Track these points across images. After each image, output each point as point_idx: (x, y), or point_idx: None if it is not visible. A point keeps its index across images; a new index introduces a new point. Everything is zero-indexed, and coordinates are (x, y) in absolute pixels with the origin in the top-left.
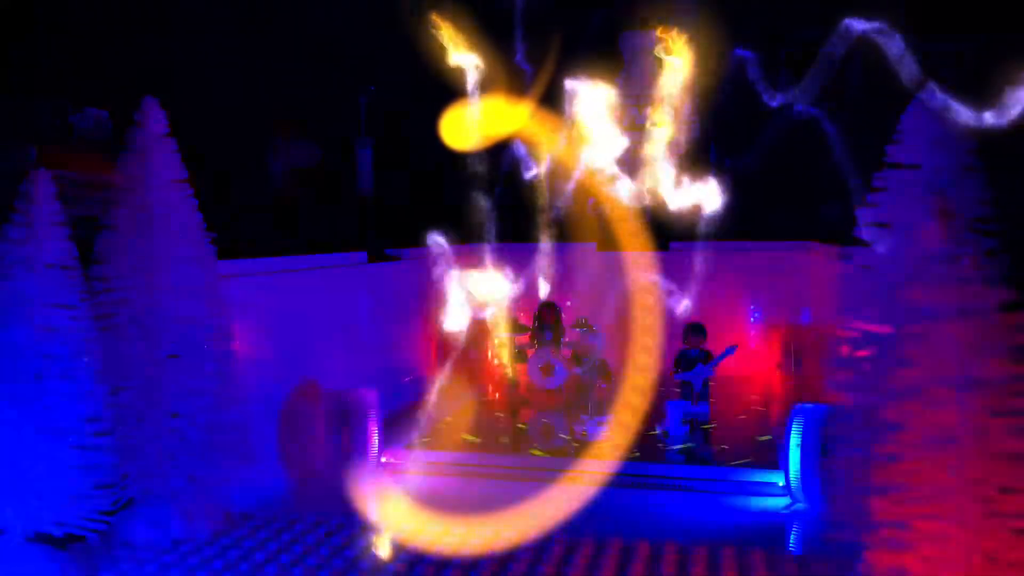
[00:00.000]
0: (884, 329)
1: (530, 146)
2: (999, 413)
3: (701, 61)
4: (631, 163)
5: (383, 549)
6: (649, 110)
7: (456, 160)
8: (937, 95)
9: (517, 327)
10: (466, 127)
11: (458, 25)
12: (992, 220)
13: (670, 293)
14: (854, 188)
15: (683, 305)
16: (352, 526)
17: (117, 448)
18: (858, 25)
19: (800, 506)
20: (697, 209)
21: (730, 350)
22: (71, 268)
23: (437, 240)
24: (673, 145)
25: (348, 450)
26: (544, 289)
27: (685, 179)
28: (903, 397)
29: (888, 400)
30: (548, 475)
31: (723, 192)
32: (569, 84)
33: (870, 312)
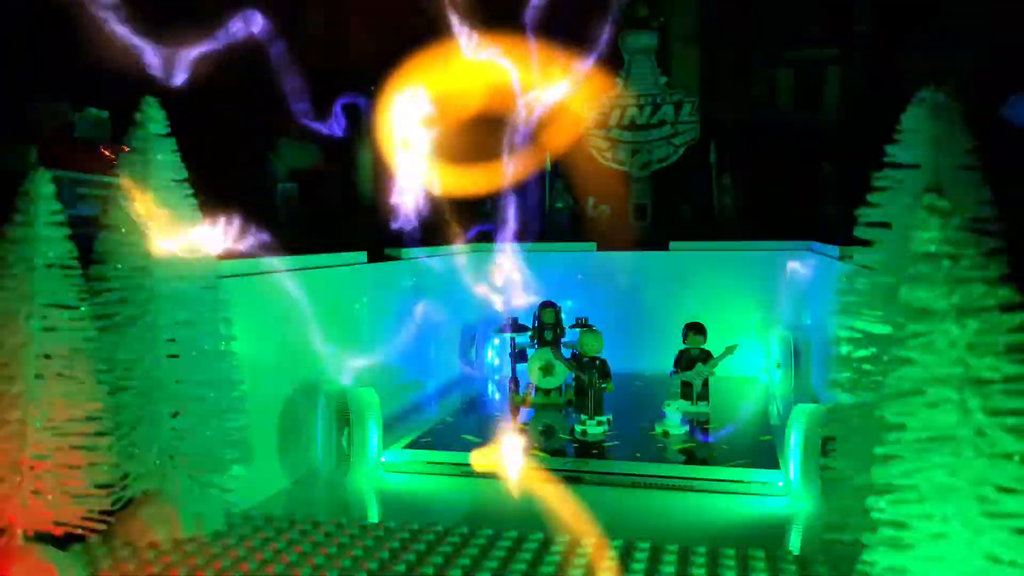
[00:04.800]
0: (884, 329)
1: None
2: (999, 413)
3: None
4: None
5: (385, 549)
6: (650, 110)
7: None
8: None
9: (516, 327)
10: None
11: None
12: (992, 220)
13: None
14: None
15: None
16: (352, 526)
17: (117, 448)
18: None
19: (800, 506)
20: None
21: (730, 350)
22: (71, 268)
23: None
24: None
25: (348, 450)
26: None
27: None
28: (903, 397)
29: (888, 400)
30: (548, 475)
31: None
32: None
33: (870, 312)
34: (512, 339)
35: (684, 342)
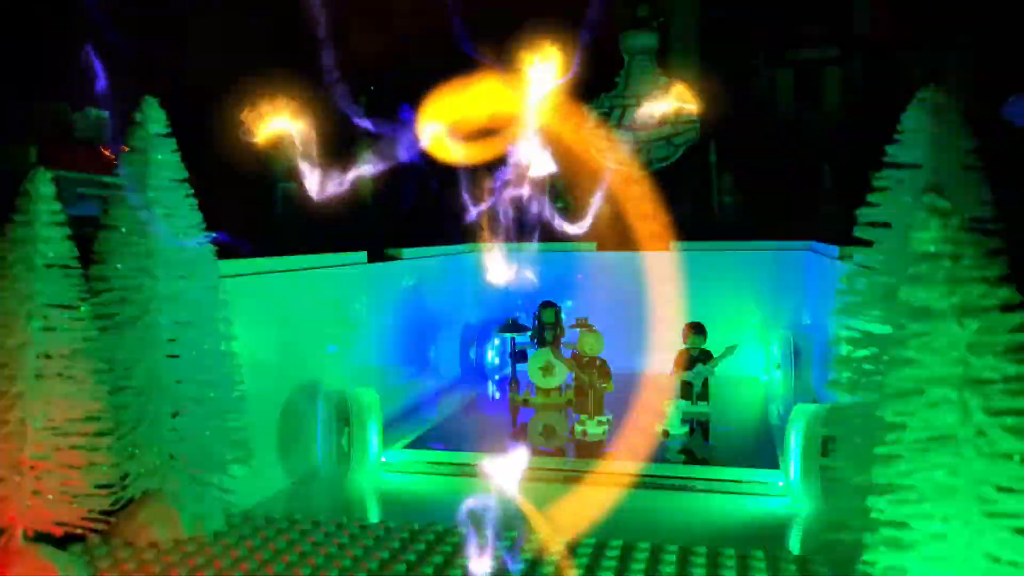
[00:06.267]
0: (884, 329)
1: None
2: (999, 413)
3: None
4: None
5: (384, 550)
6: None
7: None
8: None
9: (516, 327)
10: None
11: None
12: (992, 220)
13: None
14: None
15: None
16: (352, 526)
17: (117, 448)
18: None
19: (800, 506)
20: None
21: (730, 350)
22: (71, 268)
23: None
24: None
25: (348, 450)
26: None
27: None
28: (903, 397)
29: (888, 400)
30: (548, 475)
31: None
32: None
33: (870, 312)
34: (512, 339)
35: (684, 342)
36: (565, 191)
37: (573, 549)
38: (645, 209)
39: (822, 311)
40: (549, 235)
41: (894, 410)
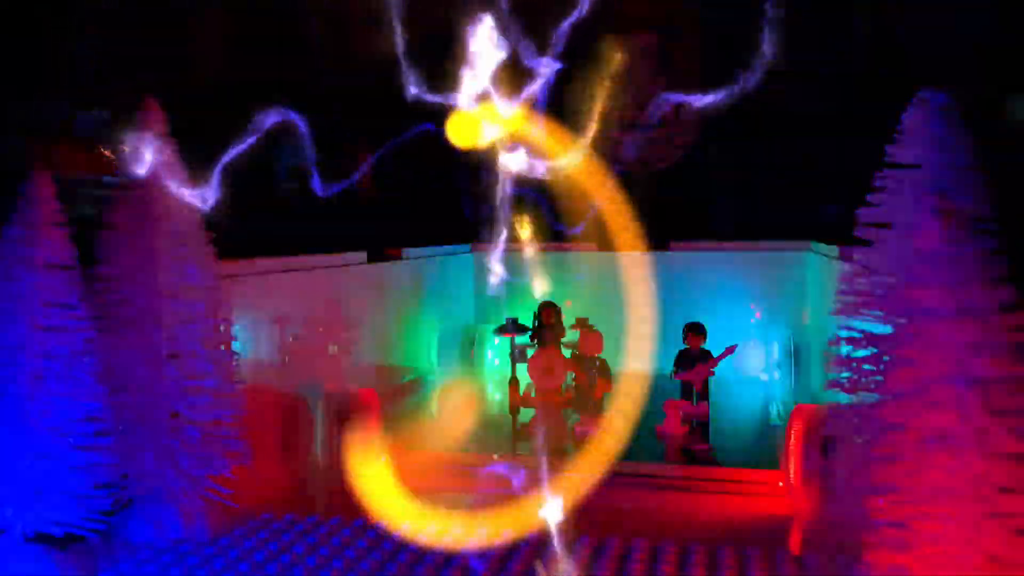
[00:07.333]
0: (884, 329)
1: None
2: (999, 413)
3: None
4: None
5: (382, 549)
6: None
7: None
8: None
9: (517, 327)
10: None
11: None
12: (992, 220)
13: None
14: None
15: None
16: (351, 526)
17: (117, 448)
18: None
19: (800, 506)
20: None
21: (730, 350)
22: (71, 268)
23: None
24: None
25: (348, 450)
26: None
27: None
28: (903, 397)
29: (888, 400)
30: (548, 475)
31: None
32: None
33: (870, 312)
34: (512, 339)
35: (684, 342)
36: (564, 191)
37: (573, 548)
38: (644, 209)
39: (822, 311)
40: (549, 235)
41: (894, 410)
